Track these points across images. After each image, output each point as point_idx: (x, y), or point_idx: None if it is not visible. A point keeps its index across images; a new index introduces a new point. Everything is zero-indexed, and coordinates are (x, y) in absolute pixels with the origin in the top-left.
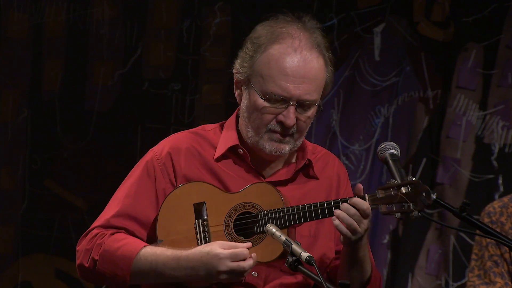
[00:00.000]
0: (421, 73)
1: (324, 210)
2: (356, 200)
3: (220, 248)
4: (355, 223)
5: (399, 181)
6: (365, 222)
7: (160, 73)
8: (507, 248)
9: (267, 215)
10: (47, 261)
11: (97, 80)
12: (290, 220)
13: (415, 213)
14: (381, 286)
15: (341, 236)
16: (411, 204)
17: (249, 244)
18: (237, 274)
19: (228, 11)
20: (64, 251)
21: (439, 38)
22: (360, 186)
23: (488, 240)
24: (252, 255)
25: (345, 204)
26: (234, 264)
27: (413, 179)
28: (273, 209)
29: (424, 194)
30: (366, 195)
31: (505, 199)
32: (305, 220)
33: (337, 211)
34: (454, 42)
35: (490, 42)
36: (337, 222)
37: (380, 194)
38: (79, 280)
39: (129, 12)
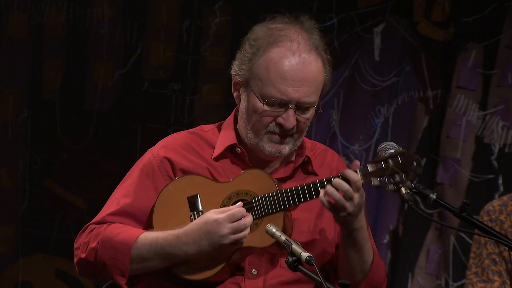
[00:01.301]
0: (421, 73)
1: (318, 189)
2: (347, 171)
3: (216, 214)
4: (342, 199)
5: (389, 154)
6: (356, 197)
7: (160, 73)
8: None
9: (262, 200)
10: (47, 261)
11: (97, 80)
12: (284, 202)
13: (408, 183)
14: (385, 276)
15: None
16: (402, 174)
17: (241, 203)
18: (240, 233)
19: (228, 11)
20: (64, 251)
21: (439, 38)
22: (357, 162)
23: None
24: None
25: (337, 179)
26: (235, 224)
27: (402, 149)
28: (267, 194)
29: (415, 163)
30: (358, 169)
31: (505, 197)
32: (299, 201)
33: (327, 187)
34: (454, 42)
35: (490, 42)
36: (323, 198)
37: (371, 167)
38: (79, 280)
39: (129, 12)
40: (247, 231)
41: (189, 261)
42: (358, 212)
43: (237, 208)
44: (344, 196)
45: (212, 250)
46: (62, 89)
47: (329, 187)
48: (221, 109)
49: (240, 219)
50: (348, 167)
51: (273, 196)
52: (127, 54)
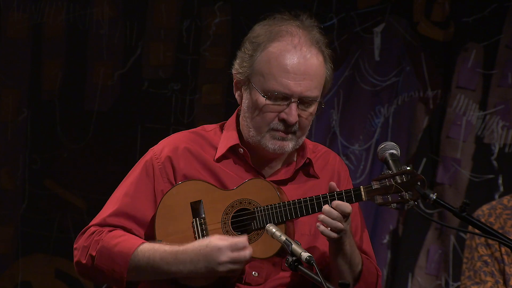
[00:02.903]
0: (421, 73)
1: (320, 204)
2: (339, 203)
3: (219, 240)
4: (340, 225)
5: (394, 171)
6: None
7: (159, 73)
8: (497, 247)
9: (264, 211)
10: (47, 261)
11: (97, 80)
12: (287, 215)
13: (411, 202)
14: (379, 282)
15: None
16: (406, 193)
17: (245, 236)
18: (237, 264)
19: (228, 11)
20: (64, 251)
21: (439, 38)
22: (333, 183)
23: (478, 241)
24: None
25: (326, 207)
26: (234, 254)
27: (408, 168)
28: (270, 205)
29: (419, 183)
30: (361, 187)
31: (494, 202)
32: (302, 215)
33: (320, 216)
34: (454, 42)
35: (490, 42)
36: (322, 228)
37: (375, 185)
38: (79, 280)
39: (129, 12)
40: (243, 265)
41: None
42: (348, 227)
43: (241, 238)
44: (336, 220)
45: (207, 274)
46: (62, 89)
47: (325, 218)
48: (221, 109)
49: (241, 250)
50: (349, 169)
51: (275, 208)
52: (127, 54)
